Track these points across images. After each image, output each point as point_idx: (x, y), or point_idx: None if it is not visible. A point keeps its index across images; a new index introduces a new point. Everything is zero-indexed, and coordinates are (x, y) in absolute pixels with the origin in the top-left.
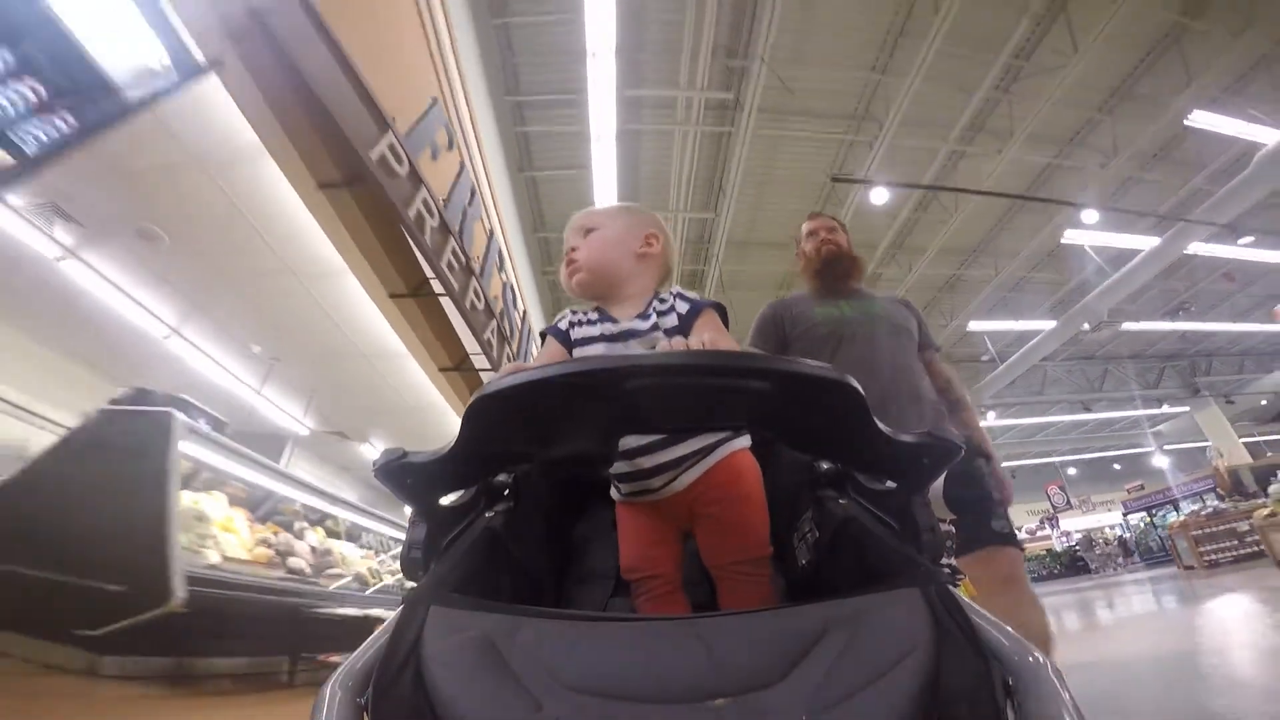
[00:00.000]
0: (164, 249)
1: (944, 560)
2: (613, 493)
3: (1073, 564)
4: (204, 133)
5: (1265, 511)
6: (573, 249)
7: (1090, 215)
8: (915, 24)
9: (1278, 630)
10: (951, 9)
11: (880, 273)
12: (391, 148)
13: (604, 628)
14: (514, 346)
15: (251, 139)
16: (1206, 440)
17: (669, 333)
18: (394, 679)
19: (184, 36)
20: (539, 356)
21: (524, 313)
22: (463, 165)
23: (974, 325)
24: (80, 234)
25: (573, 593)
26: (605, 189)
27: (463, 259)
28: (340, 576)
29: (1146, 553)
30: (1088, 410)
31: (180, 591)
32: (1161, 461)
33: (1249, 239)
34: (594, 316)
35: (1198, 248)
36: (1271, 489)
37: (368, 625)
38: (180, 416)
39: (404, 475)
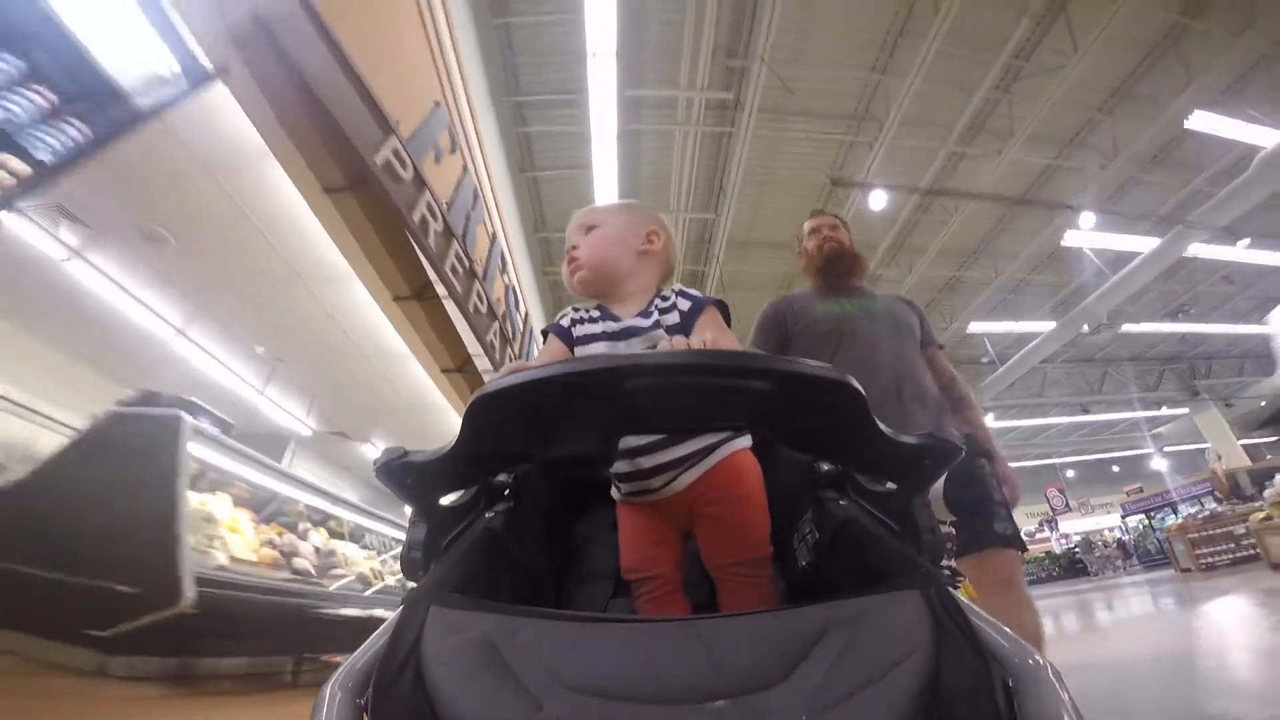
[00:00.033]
0: (169, 251)
1: (944, 562)
2: (613, 492)
3: (1071, 566)
4: (208, 137)
5: (1261, 515)
6: (574, 247)
7: (1088, 219)
8: (915, 24)
9: (1273, 632)
10: (951, 9)
11: (880, 274)
12: (395, 152)
13: (604, 628)
14: (516, 348)
15: (256, 142)
16: (1206, 443)
17: (670, 330)
18: (394, 679)
19: (191, 44)
20: (540, 355)
21: (525, 314)
22: (465, 168)
23: (974, 327)
24: (85, 235)
25: (573, 593)
26: (606, 189)
27: (466, 262)
28: (344, 577)
29: (1145, 555)
30: (1086, 412)
31: (190, 592)
32: (1160, 464)
33: (1246, 241)
34: (596, 314)
35: (1197, 250)
36: (1267, 492)
37: (372, 625)
38: (188, 419)
39: (404, 475)
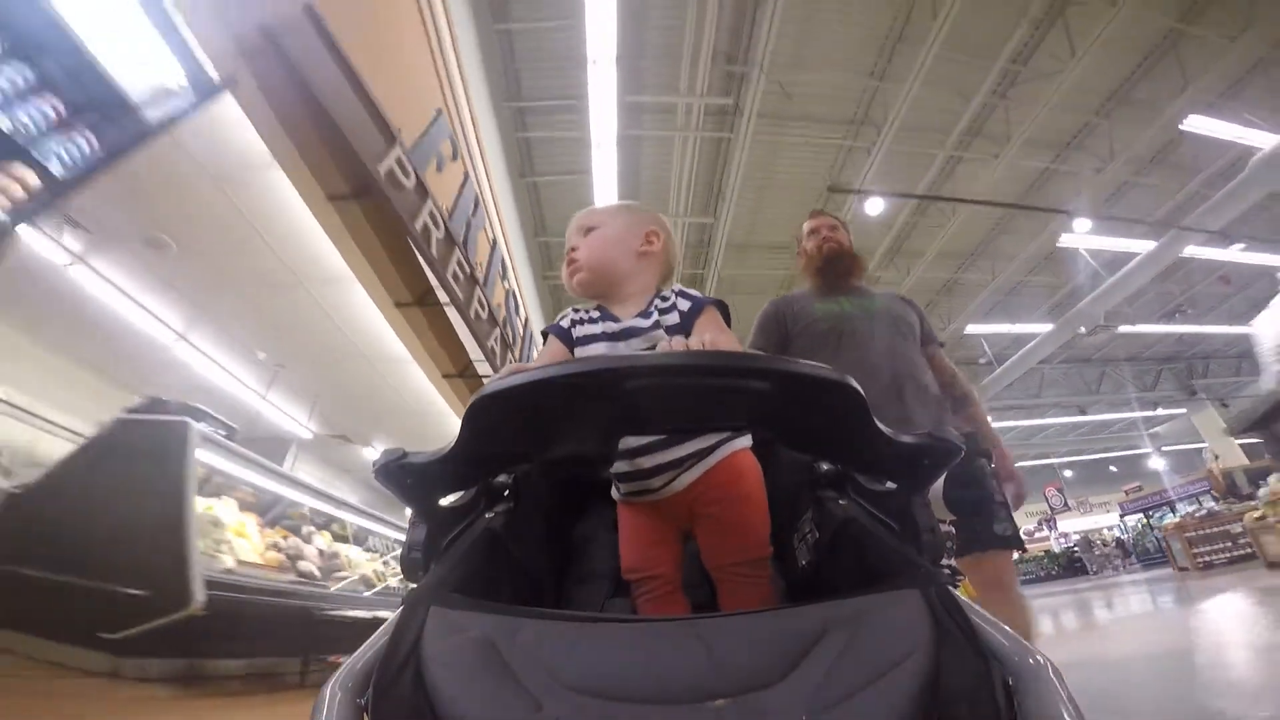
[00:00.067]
0: (171, 256)
1: (944, 561)
2: (613, 492)
3: (1070, 565)
4: (212, 144)
5: (1256, 514)
6: (573, 248)
7: (1083, 224)
8: (913, 29)
9: (1269, 631)
10: (950, 15)
11: (878, 276)
12: (399, 161)
13: (604, 628)
14: (516, 353)
15: (260, 149)
16: (1204, 442)
17: (670, 331)
18: (394, 679)
19: (199, 55)
20: (540, 355)
21: (526, 320)
22: (467, 176)
23: (971, 328)
24: (88, 240)
25: (573, 593)
26: (606, 194)
27: (467, 269)
28: (348, 579)
29: (1144, 554)
30: (1083, 413)
31: (200, 595)
32: (1158, 463)
33: (1240, 245)
34: (595, 315)
35: (1194, 251)
36: (1261, 492)
37: (377, 626)
38: (195, 425)
39: (404, 476)
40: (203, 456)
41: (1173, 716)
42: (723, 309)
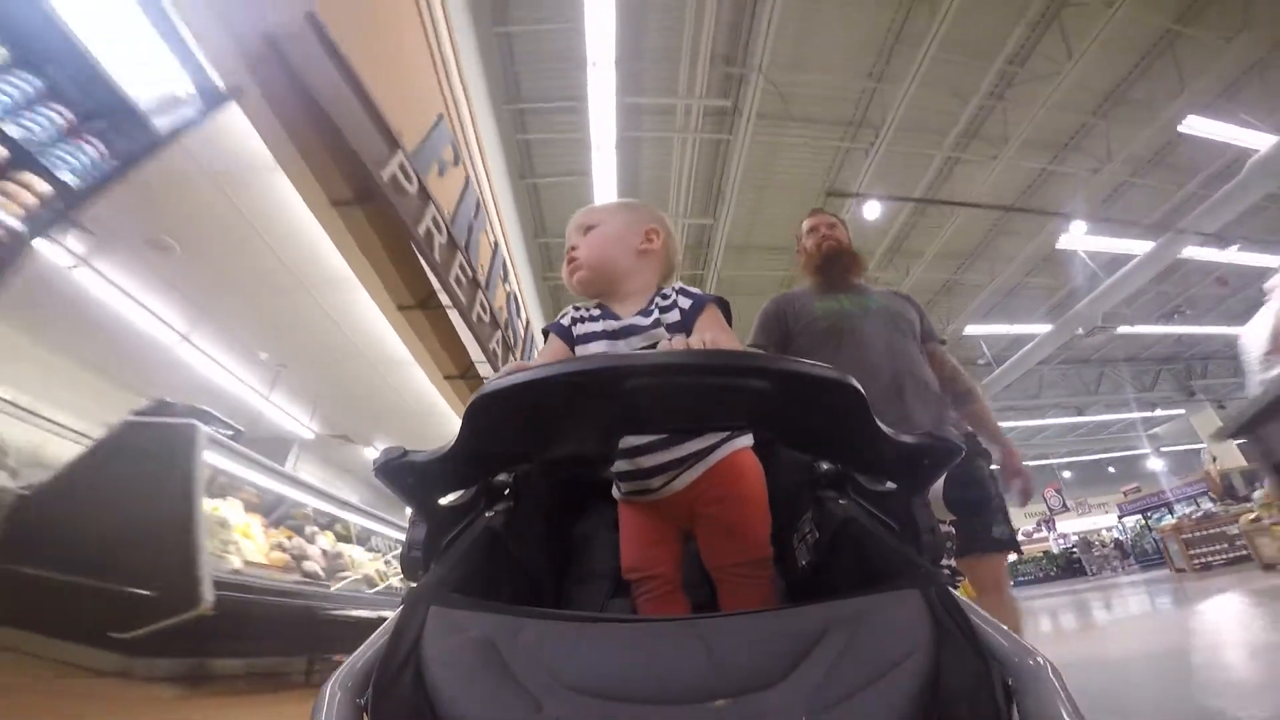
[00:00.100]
0: (174, 258)
1: (944, 561)
2: (614, 491)
3: (1069, 566)
4: (215, 147)
5: (1251, 515)
6: (573, 247)
7: (1080, 226)
8: (911, 31)
9: (1265, 632)
10: (947, 16)
11: (877, 277)
12: (401, 167)
13: (604, 628)
14: (517, 355)
15: (263, 153)
16: (1202, 443)
17: (671, 329)
18: (394, 679)
19: (204, 64)
20: (541, 354)
21: (527, 322)
22: (468, 180)
23: (970, 329)
24: (92, 242)
25: (573, 593)
26: (606, 195)
27: (469, 273)
28: (351, 579)
29: (1142, 555)
30: (1080, 414)
31: (209, 595)
32: (1157, 465)
33: (1236, 246)
34: (596, 313)
35: (1192, 252)
36: (1256, 494)
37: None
38: (203, 428)
39: (404, 474)
40: (209, 458)
41: (1172, 716)
42: (724, 307)
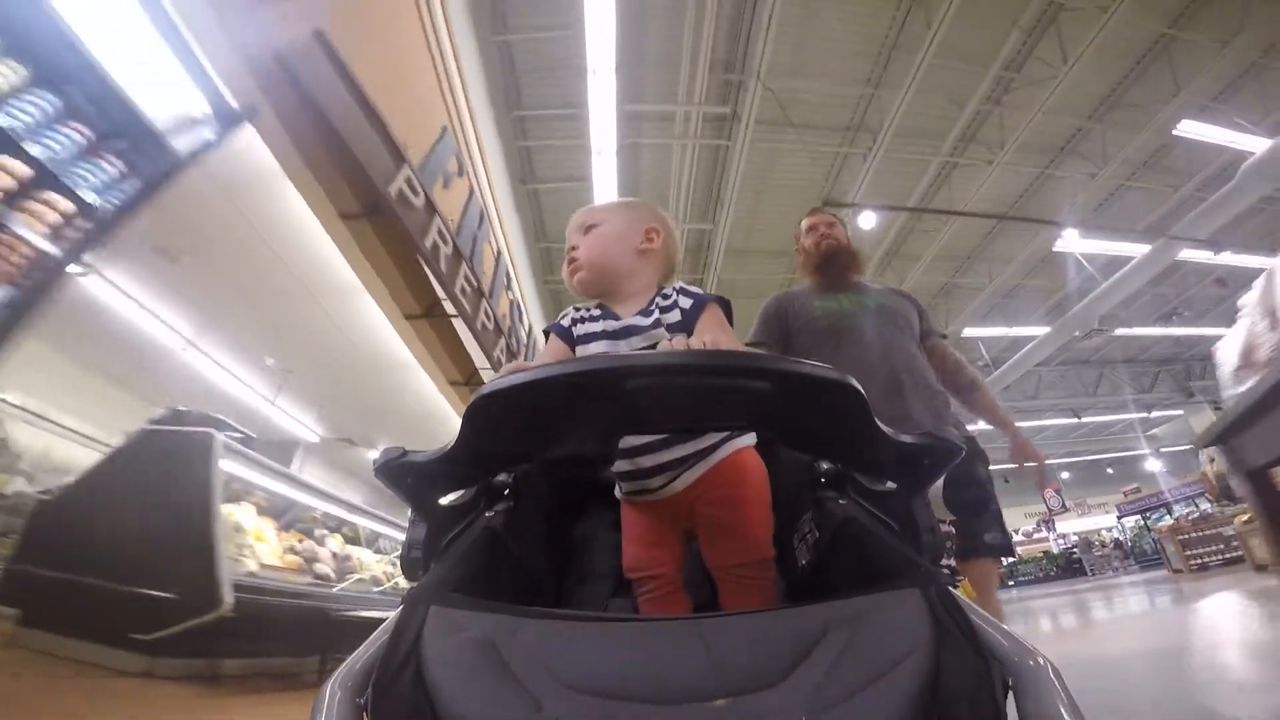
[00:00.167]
0: (182, 266)
1: (943, 561)
2: (616, 491)
3: (1069, 566)
4: (225, 158)
5: (1245, 517)
6: (574, 247)
7: (1074, 233)
8: (908, 38)
9: (1263, 632)
10: (943, 23)
11: (876, 279)
12: (408, 181)
13: (604, 628)
14: (520, 360)
15: (271, 163)
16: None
17: (671, 329)
18: (394, 679)
19: (219, 83)
20: (541, 355)
21: (529, 328)
22: (472, 191)
23: (969, 332)
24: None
25: (573, 592)
26: (606, 200)
27: (474, 283)
28: (361, 580)
29: (1141, 556)
30: (1077, 417)
31: (229, 598)
32: (1155, 465)
33: (1227, 252)
34: (596, 313)
35: (1189, 254)
36: None
37: None
38: (218, 435)
39: (404, 474)
40: (224, 465)
41: (1172, 716)
42: (725, 306)
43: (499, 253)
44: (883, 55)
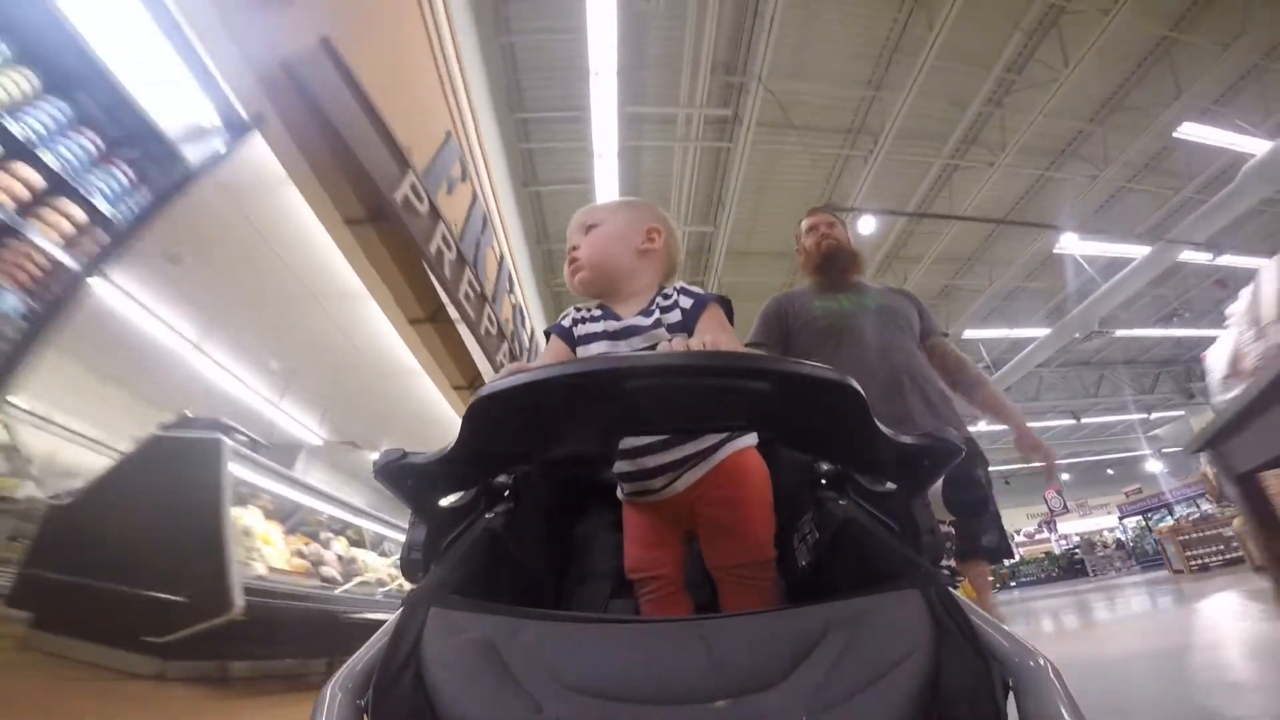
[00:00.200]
0: (187, 270)
1: (943, 561)
2: (619, 492)
3: (1070, 567)
4: (231, 164)
5: (1242, 518)
6: (574, 247)
7: (1070, 237)
8: (909, 40)
9: (1262, 633)
10: (945, 25)
11: (876, 281)
12: (413, 187)
13: (605, 629)
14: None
15: (276, 168)
16: None
17: (672, 329)
18: (394, 680)
19: (227, 91)
20: (542, 355)
21: (531, 332)
22: (475, 196)
23: (969, 333)
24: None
25: (573, 593)
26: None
27: (478, 288)
28: (366, 583)
29: (1142, 556)
30: (1075, 418)
31: (240, 601)
32: (1156, 466)
33: (1226, 255)
34: (597, 313)
35: (1190, 256)
36: None
37: None
38: (227, 441)
39: (404, 476)
40: (233, 469)
41: (1172, 716)
42: (726, 306)
43: (501, 257)
44: (884, 57)
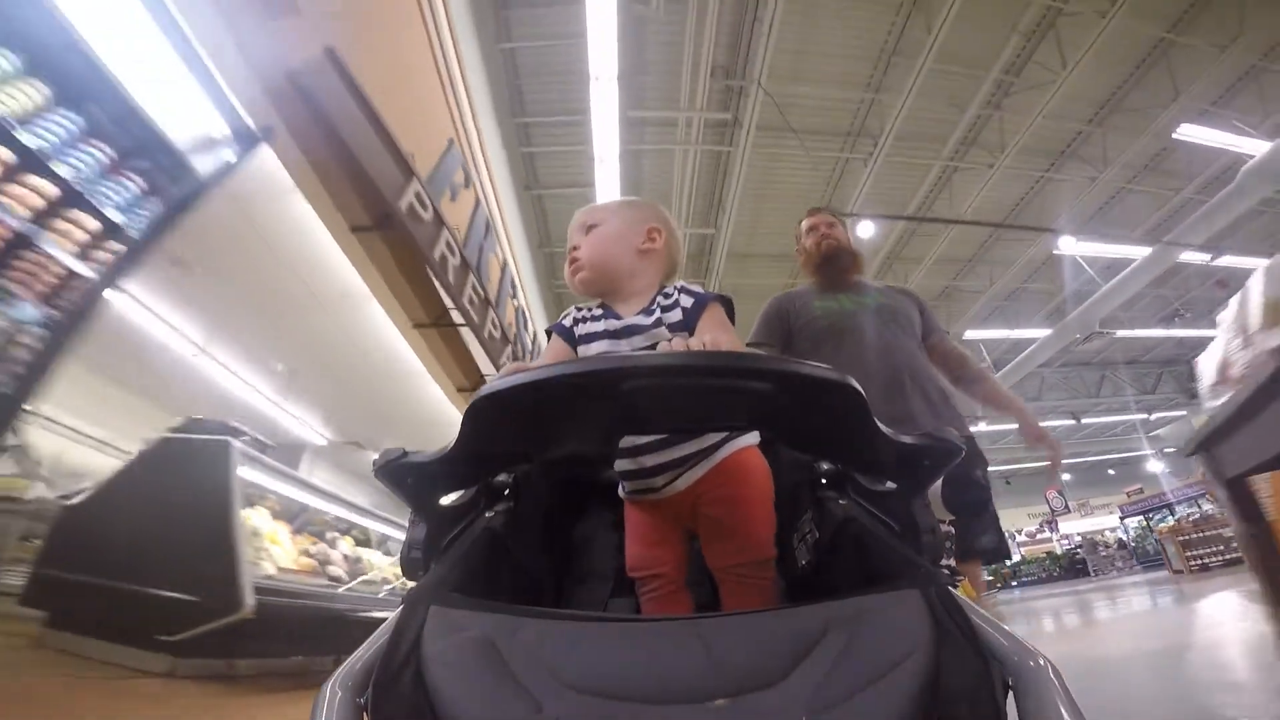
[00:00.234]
0: (194, 275)
1: (943, 561)
2: (620, 491)
3: (1072, 567)
4: (240, 174)
5: None
6: (575, 247)
7: (1069, 240)
8: (908, 43)
9: (1261, 634)
10: (943, 28)
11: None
12: (418, 195)
13: (604, 628)
14: None
15: (283, 175)
16: None
17: (673, 328)
18: (394, 678)
19: (234, 102)
20: (543, 355)
21: (534, 335)
22: (478, 202)
23: (970, 334)
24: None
25: (573, 592)
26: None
27: (481, 293)
28: (372, 581)
29: (1144, 556)
30: (1076, 419)
31: (250, 600)
32: (1158, 466)
33: (1226, 256)
34: (598, 313)
35: (1190, 256)
36: None
37: None
38: (235, 443)
39: (404, 475)
40: (241, 471)
41: (1172, 716)
42: (727, 305)
43: (504, 262)
44: (883, 60)
